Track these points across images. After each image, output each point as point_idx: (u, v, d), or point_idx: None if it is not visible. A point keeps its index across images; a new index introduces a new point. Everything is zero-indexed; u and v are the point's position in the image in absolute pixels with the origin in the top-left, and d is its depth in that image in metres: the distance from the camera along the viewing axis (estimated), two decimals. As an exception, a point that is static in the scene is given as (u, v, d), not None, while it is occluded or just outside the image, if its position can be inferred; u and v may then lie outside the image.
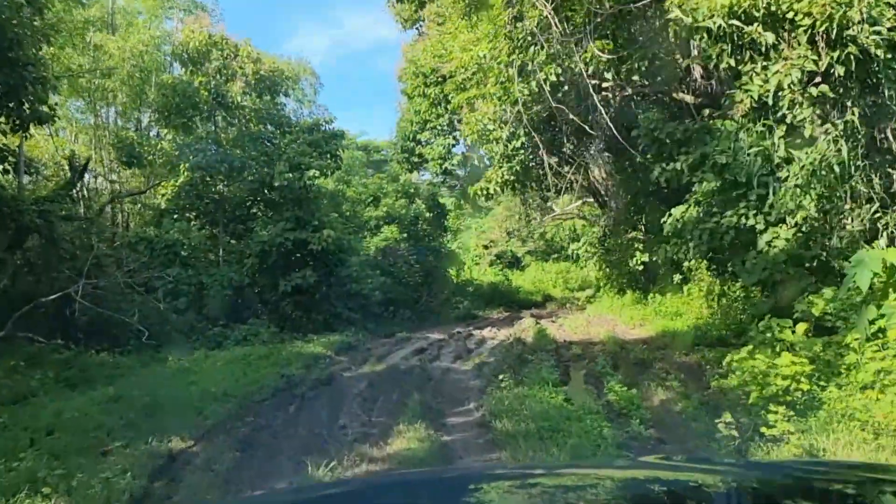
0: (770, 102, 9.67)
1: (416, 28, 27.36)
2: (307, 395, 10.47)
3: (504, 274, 34.77)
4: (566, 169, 26.52)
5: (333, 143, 21.21)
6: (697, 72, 14.21)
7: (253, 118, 20.49)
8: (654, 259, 21.20)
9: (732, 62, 9.76)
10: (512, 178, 17.96)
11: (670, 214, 15.15)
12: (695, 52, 12.21)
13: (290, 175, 19.01)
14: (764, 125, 11.09)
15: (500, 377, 10.17)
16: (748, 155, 12.11)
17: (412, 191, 29.33)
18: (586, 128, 15.21)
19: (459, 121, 23.85)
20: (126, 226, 21.23)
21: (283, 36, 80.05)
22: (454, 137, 25.42)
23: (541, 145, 15.99)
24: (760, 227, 11.93)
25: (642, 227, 22.78)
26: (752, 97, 9.92)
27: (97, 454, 7.02)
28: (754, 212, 12.02)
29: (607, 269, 23.97)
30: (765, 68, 9.56)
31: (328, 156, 20.98)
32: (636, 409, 8.03)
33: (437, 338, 19.09)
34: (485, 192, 18.64)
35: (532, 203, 38.26)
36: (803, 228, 11.82)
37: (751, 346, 9.67)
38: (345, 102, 69.49)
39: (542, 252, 46.37)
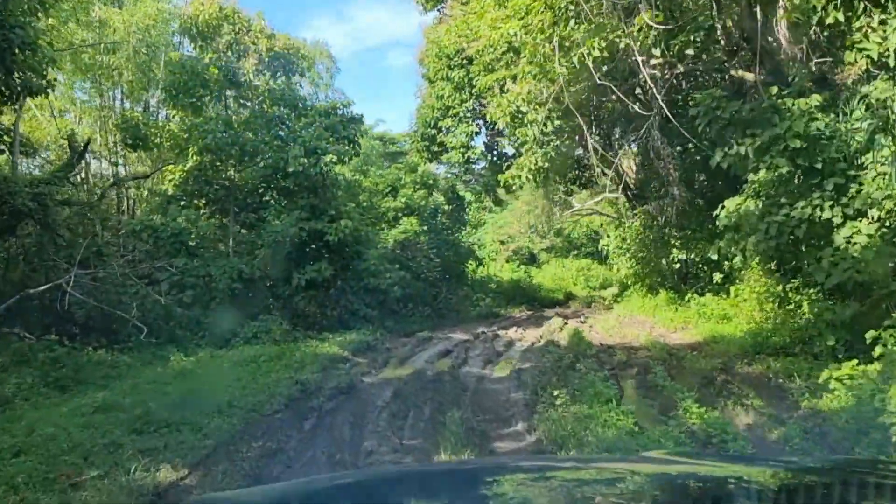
0: (892, 63, 8.07)
1: (438, 10, 25.84)
2: (325, 408, 9.01)
3: (526, 270, 33.16)
4: (604, 156, 25.03)
5: (352, 127, 19.73)
6: (758, 43, 12.61)
7: (266, 99, 19.00)
8: (693, 256, 19.64)
9: (840, 16, 8.17)
10: (545, 165, 16.39)
11: (723, 207, 13.63)
12: (781, 12, 10.56)
13: (306, 160, 17.55)
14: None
15: (554, 393, 8.65)
16: (825, 136, 10.58)
17: (431, 182, 27.86)
18: (636, 108, 13.64)
19: (485, 105, 22.36)
20: (132, 213, 19.85)
21: (294, 30, 78.70)
22: (477, 125, 23.84)
23: (584, 126, 14.36)
24: (838, 220, 10.39)
25: (677, 222, 21.26)
26: (868, 57, 8.33)
27: (65, 486, 5.57)
28: (830, 203, 10.49)
29: (638, 267, 22.36)
30: (883, 23, 7.98)
31: (346, 141, 19.50)
32: (733, 440, 6.48)
33: (460, 338, 17.60)
34: (516, 180, 17.10)
35: (554, 197, 36.81)
36: (888, 223, 10.31)
37: (854, 361, 8.14)
38: (359, 98, 68.11)
39: (561, 248, 44.81)
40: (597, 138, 19.76)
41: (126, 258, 15.60)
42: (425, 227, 23.65)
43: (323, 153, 17.95)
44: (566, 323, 20.05)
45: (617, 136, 19.06)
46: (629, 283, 23.91)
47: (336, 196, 19.11)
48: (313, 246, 18.53)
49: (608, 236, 22.97)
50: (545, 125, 15.49)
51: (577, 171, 30.22)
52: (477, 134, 24.48)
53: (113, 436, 6.92)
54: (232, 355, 12.97)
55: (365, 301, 19.13)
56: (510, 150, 28.22)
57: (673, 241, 19.99)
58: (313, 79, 27.29)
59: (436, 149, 26.28)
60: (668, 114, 12.74)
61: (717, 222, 14.07)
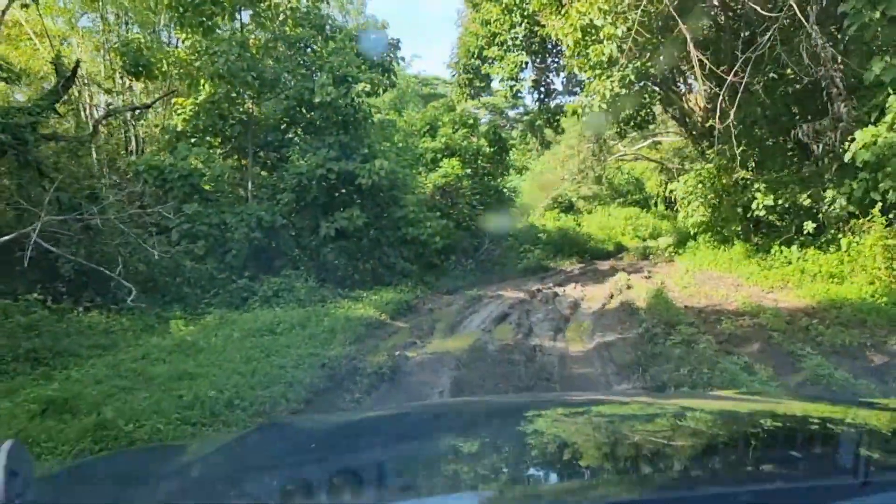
0: None
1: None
2: (362, 404, 6.50)
3: (575, 219, 30.28)
4: (672, 91, 21.93)
5: (387, 54, 16.88)
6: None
7: (289, 19, 16.10)
8: (782, 202, 16.66)
9: None
10: (622, 91, 13.40)
11: (853, 139, 10.70)
12: None
13: (334, 90, 14.82)
14: None
15: (671, 380, 6.02)
16: None
17: (471, 121, 24.89)
18: (757, 8, 10.59)
19: (542, 25, 19.30)
20: (140, 153, 17.35)
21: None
22: (524, 63, 20.71)
23: (686, 34, 11.36)
24: None
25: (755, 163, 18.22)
26: None
27: None
28: None
29: (710, 215, 19.34)
30: None
31: (380, 70, 16.69)
32: None
33: (513, 297, 15.01)
34: (587, 110, 14.20)
35: (603, 139, 33.59)
36: None
37: None
38: (393, 32, 64.31)
39: (606, 196, 41.69)
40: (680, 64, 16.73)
41: (126, 203, 13.14)
42: (468, 171, 20.88)
43: (354, 82, 15.20)
44: (630, 279, 17.33)
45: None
46: (696, 232, 20.94)
47: (369, 133, 16.40)
48: (343, 190, 15.93)
49: (677, 181, 20.04)
50: (623, 42, 12.52)
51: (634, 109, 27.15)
52: (524, 68, 21.37)
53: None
54: (246, 320, 10.52)
55: (402, 253, 16.59)
56: (559, 87, 25.17)
57: (756, 185, 16.95)
58: (342, 2, 24.24)
59: (479, 84, 23.31)
60: (799, 15, 9.69)
61: (850, 159, 11.21)
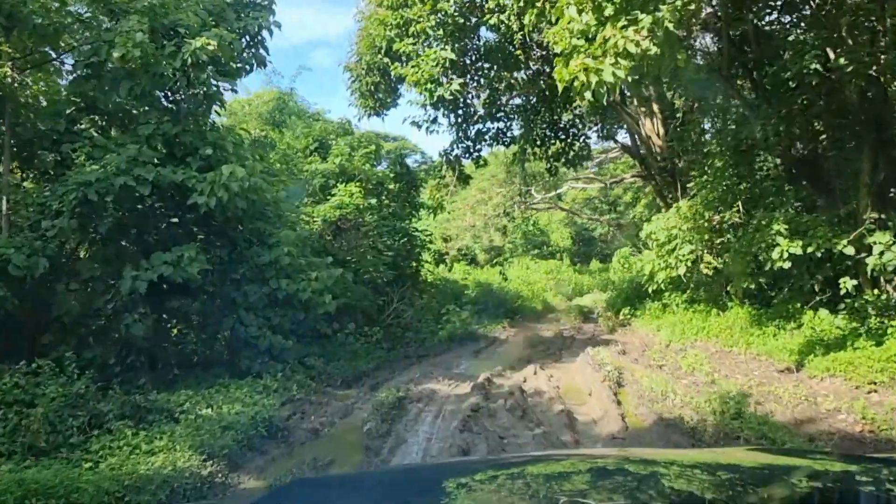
0: None
1: None
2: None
3: (501, 272, 24.56)
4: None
5: (255, 13, 10.69)
6: None
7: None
8: (813, 250, 11.59)
9: None
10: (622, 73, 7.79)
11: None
12: None
13: (152, 46, 8.42)
14: None
15: None
16: None
17: (373, 147, 18.96)
18: None
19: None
20: None
21: None
22: (455, 48, 15.05)
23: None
24: None
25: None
26: None
27: None
28: None
29: (691, 267, 14.06)
30: None
31: (242, 34, 10.47)
32: None
33: (456, 398, 8.83)
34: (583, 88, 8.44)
35: (523, 180, 28.42)
36: None
37: None
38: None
39: (518, 247, 36.56)
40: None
41: None
42: (371, 202, 14.77)
43: (190, 34, 8.86)
44: (614, 360, 11.60)
45: None
46: (663, 288, 15.62)
47: (215, 127, 9.97)
48: (173, 218, 9.40)
49: (646, 223, 14.84)
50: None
51: (561, 140, 22.18)
52: (448, 69, 15.63)
53: None
54: None
55: (270, 321, 10.05)
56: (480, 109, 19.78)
57: (775, 226, 11.78)
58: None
59: (382, 92, 17.39)
60: None
61: None
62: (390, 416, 7.56)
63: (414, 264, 18.76)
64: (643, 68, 7.57)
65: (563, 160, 22.35)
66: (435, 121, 16.43)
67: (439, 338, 15.20)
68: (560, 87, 7.53)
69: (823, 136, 12.86)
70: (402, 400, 8.29)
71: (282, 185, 13.20)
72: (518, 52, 17.73)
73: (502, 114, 21.01)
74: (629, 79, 7.64)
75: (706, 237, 13.02)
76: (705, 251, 12.37)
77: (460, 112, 20.32)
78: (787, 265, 11.56)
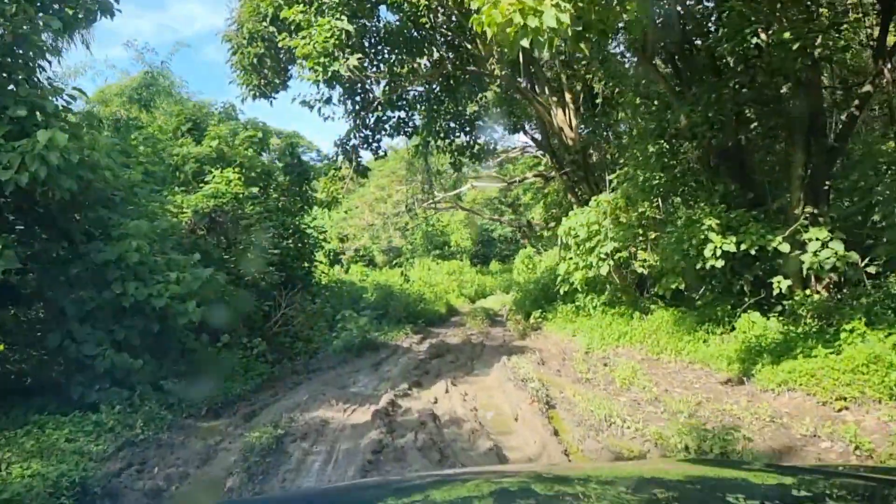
0: None
1: None
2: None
3: (403, 273, 22.71)
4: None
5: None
6: None
7: None
8: (746, 247, 10.57)
9: None
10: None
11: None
12: None
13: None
14: None
15: None
16: None
17: (259, 134, 16.73)
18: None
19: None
20: None
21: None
22: (353, 17, 13.10)
23: None
24: None
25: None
26: None
27: None
28: None
29: (610, 265, 12.76)
30: None
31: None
32: None
33: (351, 428, 6.92)
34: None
35: (425, 172, 26.68)
36: None
37: None
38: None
39: (419, 248, 34.87)
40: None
41: None
42: (254, 190, 12.58)
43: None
44: (534, 371, 10.06)
45: None
46: (580, 290, 14.32)
47: (36, 83, 7.56)
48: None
49: (564, 218, 13.46)
50: None
51: (466, 132, 20.71)
52: (345, 41, 13.61)
53: None
54: None
55: (113, 335, 7.77)
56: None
57: (707, 222, 10.64)
58: None
59: (269, 69, 15.16)
60: None
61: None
62: (264, 464, 5.57)
63: (306, 265, 16.64)
64: (590, 15, 6.02)
65: (467, 154, 20.93)
66: (329, 101, 14.44)
67: (334, 348, 13.20)
68: (489, 34, 5.81)
69: (753, 126, 11.93)
70: (281, 439, 6.29)
71: (141, 167, 10.78)
72: (423, 33, 16.11)
73: (404, 102, 19.29)
74: (569, 30, 5.99)
75: (638, 232, 11.72)
76: (638, 248, 11.05)
77: (358, 99, 18.44)
78: (719, 263, 10.47)
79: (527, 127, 21.49)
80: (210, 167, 12.55)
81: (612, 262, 12.04)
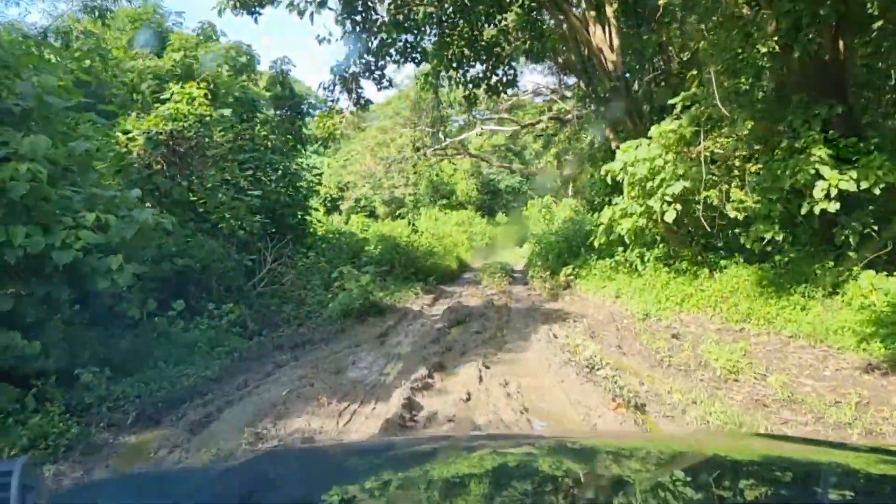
0: None
1: None
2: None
3: (411, 223, 20.01)
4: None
5: None
6: None
7: None
8: (870, 184, 7.92)
9: None
10: None
11: None
12: None
13: None
14: None
15: None
16: None
17: (246, 58, 14.05)
18: None
19: None
20: None
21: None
22: None
23: None
24: None
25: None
26: None
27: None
28: None
29: (676, 210, 9.99)
30: None
31: None
32: None
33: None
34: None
35: (436, 107, 23.66)
36: None
37: None
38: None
39: (424, 197, 32.09)
40: None
41: None
42: (225, 113, 9.79)
43: None
44: (585, 337, 7.53)
45: None
46: (630, 240, 11.57)
47: None
48: None
49: (624, 149, 10.61)
50: None
51: (483, 60, 17.83)
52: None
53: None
54: None
55: (30, 310, 5.18)
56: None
57: (817, 153, 7.91)
58: None
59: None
60: None
61: None
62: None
63: (299, 213, 14.02)
64: None
65: (484, 86, 18.09)
66: (323, 4, 11.53)
67: (330, 312, 10.63)
68: None
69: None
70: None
71: (71, 77, 8.00)
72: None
73: (412, 23, 16.35)
74: None
75: (734, 164, 8.98)
76: (732, 186, 8.29)
77: (359, 19, 15.57)
78: (832, 207, 7.89)
79: (554, 54, 18.50)
80: (174, 80, 9.75)
81: (678, 206, 9.36)
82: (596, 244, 12.60)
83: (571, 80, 26.91)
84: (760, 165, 7.98)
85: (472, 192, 36.82)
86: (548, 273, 15.39)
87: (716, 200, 8.42)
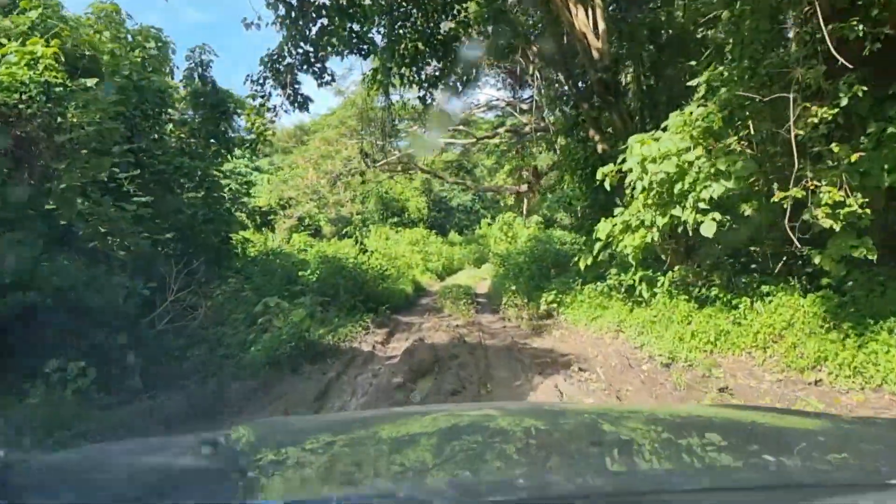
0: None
1: None
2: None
3: (359, 242, 17.18)
4: None
5: None
6: None
7: None
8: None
9: None
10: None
11: None
12: None
13: None
14: None
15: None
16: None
17: (157, 43, 11.27)
18: None
19: None
20: None
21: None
22: None
23: None
24: None
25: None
26: None
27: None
28: None
29: (714, 221, 7.55)
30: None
31: None
32: None
33: None
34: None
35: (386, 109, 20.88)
36: None
37: None
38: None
39: (373, 215, 29.27)
40: None
41: None
42: (87, 82, 6.91)
43: None
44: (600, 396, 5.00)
45: None
46: (632, 262, 9.11)
47: None
48: None
49: (642, 141, 8.16)
50: None
51: (440, 57, 15.43)
52: None
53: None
54: None
55: None
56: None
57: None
58: None
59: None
60: None
61: None
62: None
63: (223, 230, 11.17)
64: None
65: (440, 85, 15.67)
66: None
67: (251, 359, 7.79)
68: None
69: None
70: None
71: None
72: None
73: (357, 9, 13.78)
74: None
75: (821, 157, 6.56)
76: (823, 179, 5.82)
77: (294, 1, 13.02)
78: (826, 219, 5.53)
79: (524, 48, 16.15)
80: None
81: (716, 216, 6.93)
82: (582, 265, 10.25)
83: (527, 94, 24.88)
84: (861, 153, 5.56)
85: (424, 210, 34.32)
86: (520, 299, 12.88)
87: (808, 201, 5.88)
